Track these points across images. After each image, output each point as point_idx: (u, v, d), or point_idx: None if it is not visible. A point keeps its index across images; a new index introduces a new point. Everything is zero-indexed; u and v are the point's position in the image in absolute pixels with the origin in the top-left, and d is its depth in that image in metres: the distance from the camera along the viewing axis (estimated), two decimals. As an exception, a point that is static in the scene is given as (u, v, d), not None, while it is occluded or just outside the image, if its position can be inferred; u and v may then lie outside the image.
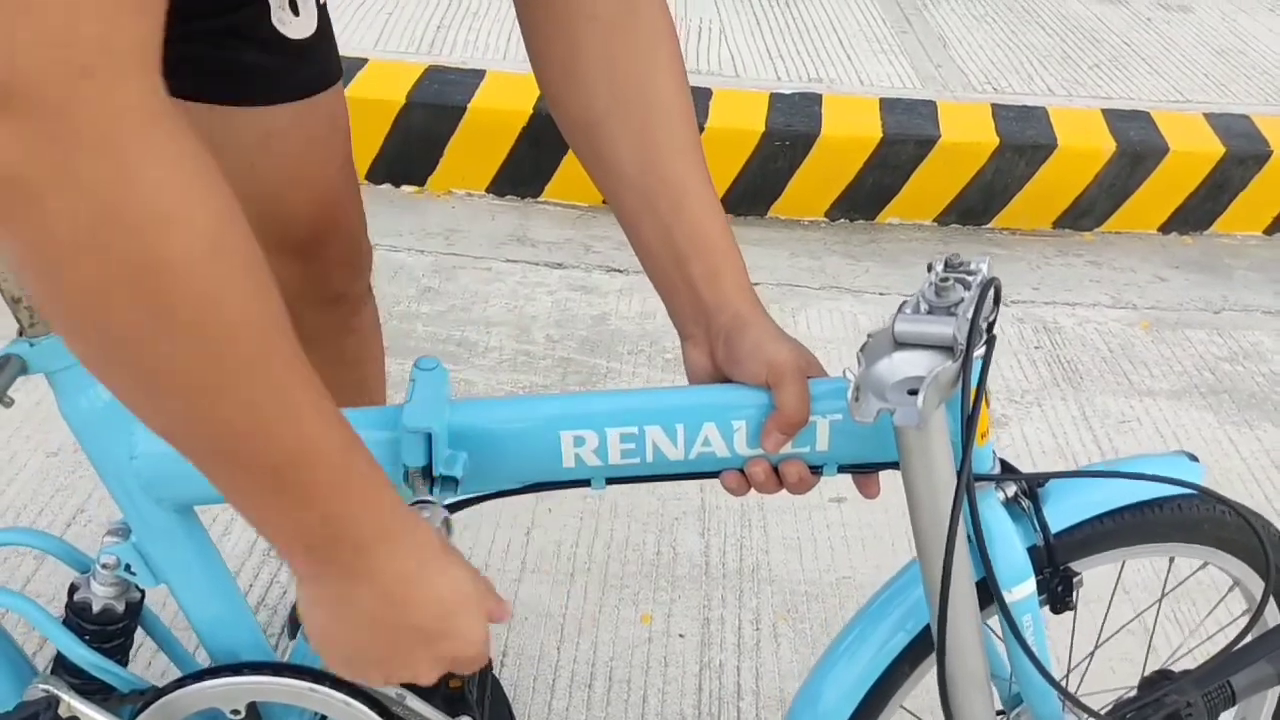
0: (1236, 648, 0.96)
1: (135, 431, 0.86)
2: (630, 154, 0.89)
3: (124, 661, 0.97)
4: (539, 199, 2.77)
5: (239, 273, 0.59)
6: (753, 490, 0.87)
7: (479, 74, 2.79)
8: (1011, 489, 0.92)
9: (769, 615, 1.70)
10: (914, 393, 0.73)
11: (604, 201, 0.94)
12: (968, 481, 0.80)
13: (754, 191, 2.75)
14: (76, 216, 0.52)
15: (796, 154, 2.71)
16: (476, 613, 0.72)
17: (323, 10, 1.15)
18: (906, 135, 2.72)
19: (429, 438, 0.82)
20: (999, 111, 2.85)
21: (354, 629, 0.71)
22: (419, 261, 2.49)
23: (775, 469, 0.86)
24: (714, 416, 0.86)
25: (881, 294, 2.50)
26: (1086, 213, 2.81)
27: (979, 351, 0.77)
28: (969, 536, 0.88)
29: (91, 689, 0.94)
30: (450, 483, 0.83)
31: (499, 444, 0.86)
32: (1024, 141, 2.73)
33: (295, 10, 1.10)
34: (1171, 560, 1.04)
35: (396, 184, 2.73)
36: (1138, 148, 2.74)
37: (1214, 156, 2.75)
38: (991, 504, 0.90)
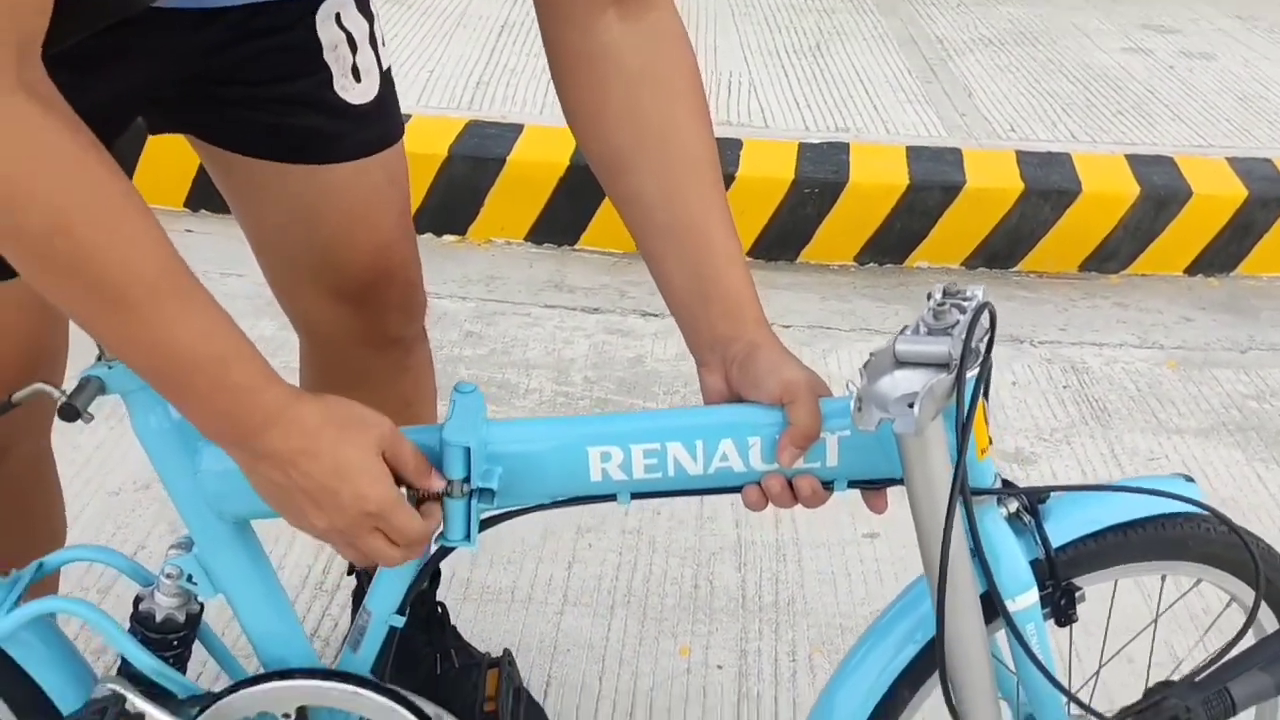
0: (1228, 656, 1.00)
1: (201, 449, 0.94)
2: (655, 196, 0.97)
3: (183, 671, 1.03)
4: (575, 247, 2.85)
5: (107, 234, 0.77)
6: (771, 506, 0.94)
7: (517, 128, 2.89)
8: (1014, 505, 0.98)
9: (805, 647, 1.74)
10: (912, 405, 0.80)
11: (639, 248, 1.02)
12: (963, 488, 0.86)
13: (784, 237, 2.82)
14: None
15: (825, 201, 2.79)
16: (372, 476, 0.86)
17: (386, 75, 1.23)
18: (933, 182, 2.79)
19: (468, 452, 0.90)
20: (1024, 158, 2.91)
21: (274, 491, 0.88)
22: (461, 308, 2.57)
23: (790, 483, 0.92)
24: (731, 433, 0.93)
25: (911, 336, 2.56)
26: (1112, 256, 2.86)
27: (974, 370, 0.84)
28: (971, 550, 0.93)
29: (152, 696, 1.00)
30: (487, 494, 0.92)
31: (531, 460, 0.94)
32: (1049, 187, 2.79)
33: (358, 77, 1.17)
34: (1164, 579, 1.08)
35: (439, 233, 2.82)
36: (1161, 192, 2.80)
37: (1237, 199, 2.80)
38: (994, 518, 0.96)
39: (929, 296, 0.86)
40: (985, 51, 3.76)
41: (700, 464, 0.93)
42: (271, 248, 1.26)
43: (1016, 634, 0.94)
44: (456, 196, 2.80)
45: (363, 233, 1.24)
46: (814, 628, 1.77)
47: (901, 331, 0.85)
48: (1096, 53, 3.79)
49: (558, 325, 2.54)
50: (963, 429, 0.84)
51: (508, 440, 0.93)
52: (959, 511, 0.88)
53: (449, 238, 2.84)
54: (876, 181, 2.79)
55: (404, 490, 0.90)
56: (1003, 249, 2.85)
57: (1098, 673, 1.19)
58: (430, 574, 1.05)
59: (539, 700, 1.60)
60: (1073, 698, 0.96)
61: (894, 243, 2.84)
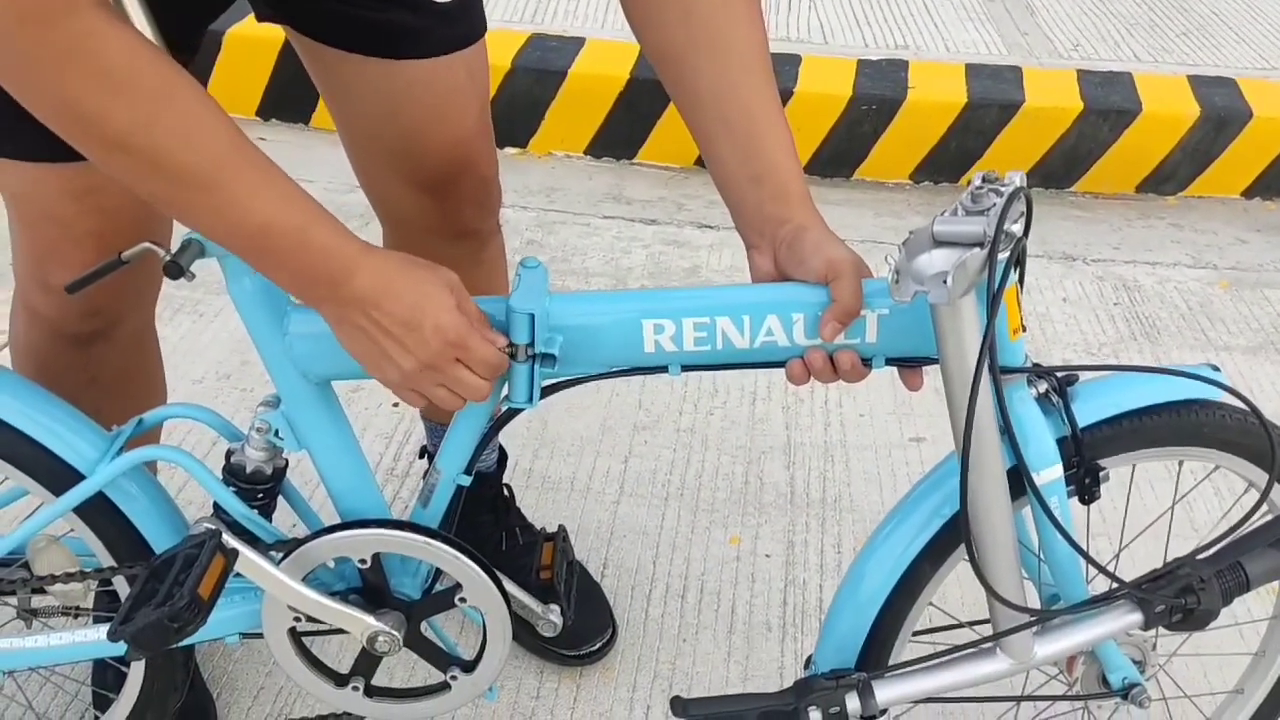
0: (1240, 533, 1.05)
1: (290, 312, 1.03)
2: (708, 91, 1.03)
3: (269, 520, 1.13)
4: (634, 160, 2.90)
5: (195, 110, 0.86)
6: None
7: (579, 41, 2.93)
8: (1043, 385, 1.04)
9: (850, 541, 1.82)
10: (946, 279, 0.87)
11: (696, 162, 1.08)
12: (991, 361, 0.92)
13: (840, 155, 2.85)
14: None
15: (882, 118, 2.81)
16: (444, 307, 0.94)
17: None
18: (991, 100, 2.79)
19: (532, 318, 0.98)
20: (1084, 77, 2.91)
21: (361, 338, 0.95)
22: (522, 217, 2.64)
23: (831, 359, 0.99)
24: (776, 309, 1.00)
25: (963, 252, 2.59)
26: (1169, 177, 2.87)
27: (1006, 250, 0.90)
28: (1000, 426, 1.00)
29: (242, 538, 1.10)
30: (549, 359, 1.00)
31: (590, 331, 1.02)
32: (1108, 107, 2.79)
33: None
34: (1180, 464, 1.13)
35: (500, 145, 2.86)
36: (1222, 113, 2.79)
37: (1299, 122, 2.79)
38: (1023, 397, 1.02)
39: (969, 182, 0.92)
40: (1050, -29, 3.72)
41: (747, 338, 1.00)
42: (357, 136, 1.33)
43: (1040, 501, 1.01)
44: (518, 109, 2.86)
45: (442, 126, 1.29)
46: (859, 524, 1.85)
47: (940, 213, 0.91)
48: (1164, -27, 3.74)
49: (616, 235, 2.61)
50: (993, 300, 0.90)
51: (569, 311, 1.01)
52: (987, 386, 0.95)
53: (510, 150, 2.90)
54: (934, 99, 2.81)
55: None
56: (1059, 169, 2.86)
57: (1121, 550, 1.25)
58: (496, 435, 1.13)
59: (596, 579, 1.70)
60: (1090, 560, 1.02)
61: (950, 161, 2.86)
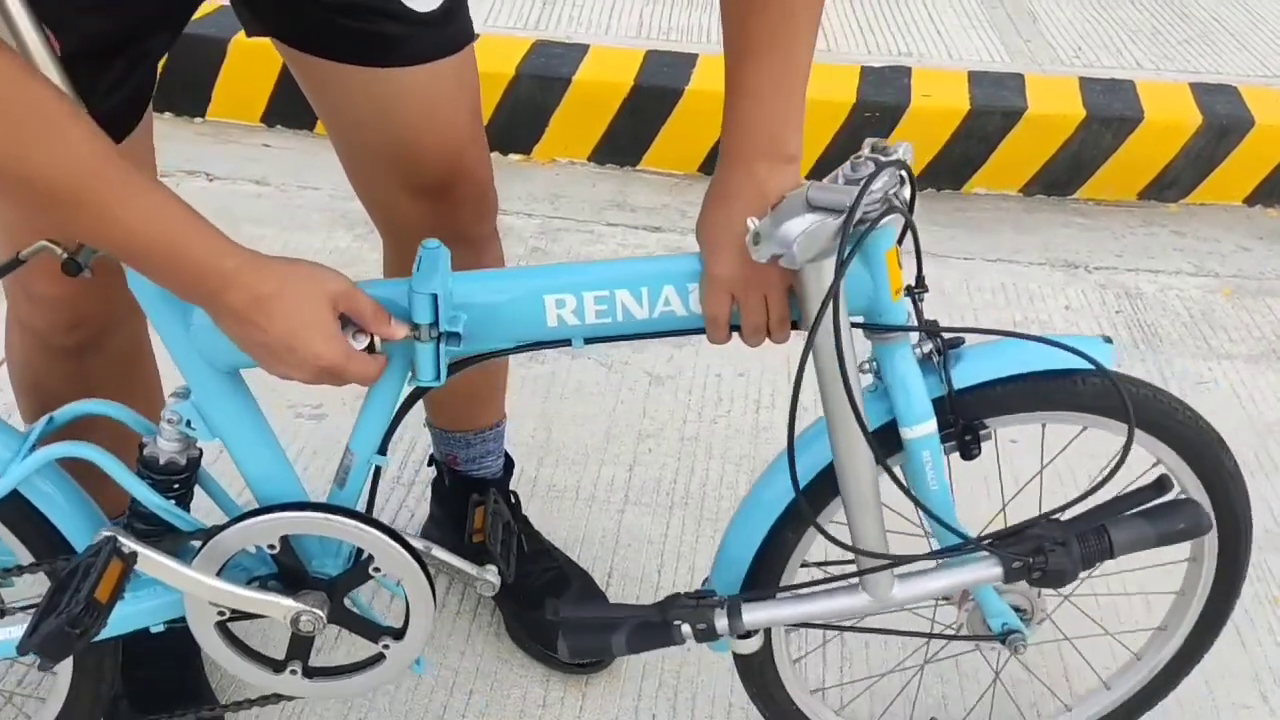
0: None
1: (192, 306, 1.04)
2: (727, 23, 1.03)
3: (186, 510, 1.14)
4: (637, 167, 2.91)
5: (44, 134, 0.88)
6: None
7: (583, 48, 2.94)
8: (928, 345, 1.09)
9: (854, 549, 1.82)
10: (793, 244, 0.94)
11: (699, 169, 1.10)
12: (837, 319, 0.98)
13: (844, 160, 2.85)
14: None
15: (885, 125, 2.82)
16: (324, 334, 0.98)
17: None
18: (994, 107, 2.80)
19: (434, 299, 1.00)
20: (1087, 84, 2.92)
21: (242, 342, 0.99)
22: (526, 224, 2.65)
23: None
24: (672, 280, 1.04)
25: (966, 259, 2.60)
26: (1172, 184, 2.87)
27: (889, 220, 0.96)
28: (876, 386, 1.09)
29: (160, 533, 1.12)
30: (454, 338, 1.03)
31: (493, 308, 1.05)
32: (1111, 114, 2.80)
33: None
34: (1044, 427, 1.19)
35: (504, 152, 2.90)
36: (1224, 121, 2.80)
37: (1301, 129, 2.79)
38: (905, 355, 1.07)
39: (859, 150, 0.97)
40: (1052, -23, 3.73)
41: (646, 309, 1.05)
42: (349, 145, 1.34)
43: (880, 459, 1.06)
44: (522, 116, 2.86)
45: (433, 133, 1.30)
46: (863, 532, 1.85)
47: (820, 180, 0.96)
48: (1166, -20, 3.75)
49: (620, 243, 2.62)
50: (839, 266, 0.95)
51: (471, 290, 1.04)
52: (849, 343, 1.01)
53: (514, 156, 2.91)
54: (937, 106, 2.82)
55: (360, 336, 1.01)
56: (1062, 176, 2.87)
57: (1004, 508, 1.30)
58: (406, 413, 1.14)
59: (601, 587, 1.70)
60: (934, 517, 1.08)
61: (952, 167, 2.87)
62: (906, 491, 1.06)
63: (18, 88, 0.87)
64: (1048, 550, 1.08)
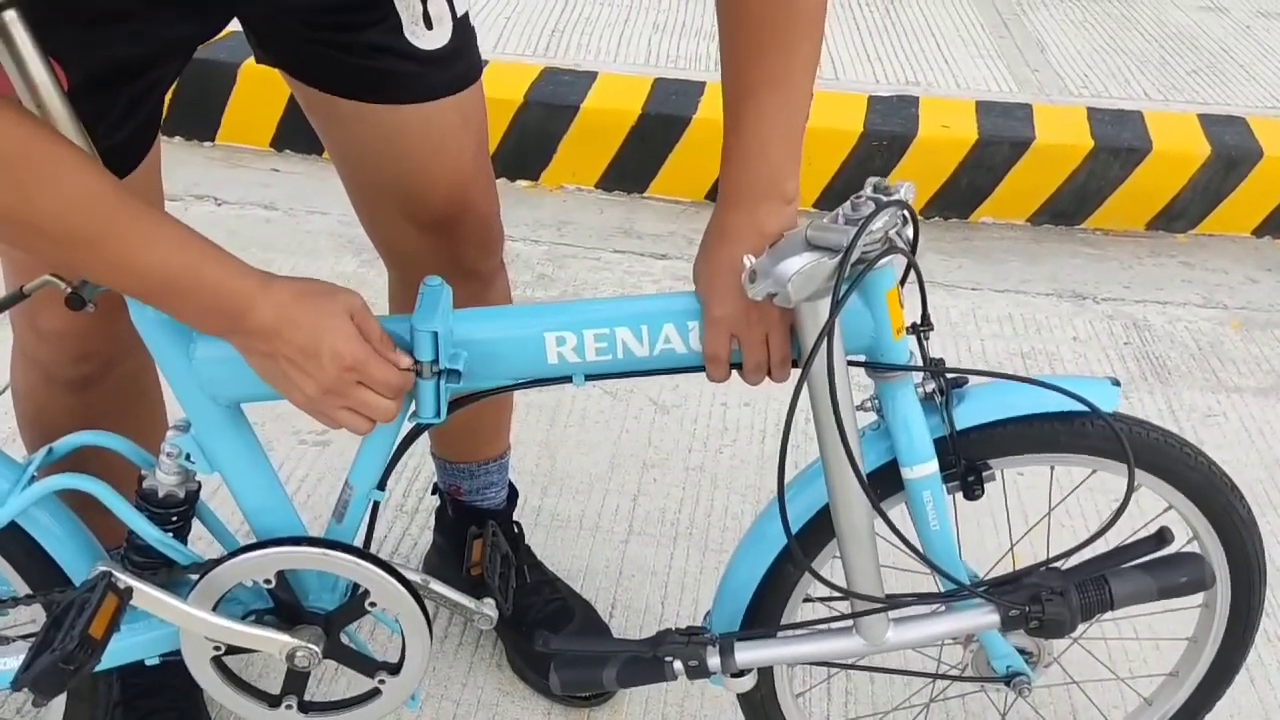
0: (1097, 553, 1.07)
1: (195, 339, 1.04)
2: (726, 66, 1.02)
3: (183, 543, 1.14)
4: (645, 194, 2.91)
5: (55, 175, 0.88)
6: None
7: (591, 75, 2.95)
8: (930, 385, 1.08)
9: (859, 582, 1.81)
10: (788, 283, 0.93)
11: (706, 196, 1.10)
12: (830, 358, 0.97)
13: (850, 190, 2.83)
14: None
15: (893, 154, 2.82)
16: (342, 334, 0.98)
17: (461, 21, 1.26)
18: (1001, 137, 2.80)
19: (435, 336, 1.00)
20: (1095, 115, 2.92)
21: (266, 364, 0.99)
22: (533, 250, 2.65)
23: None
24: (672, 318, 1.04)
25: (974, 289, 2.60)
26: (1180, 215, 2.87)
27: (889, 260, 0.96)
28: (879, 424, 1.08)
29: (157, 566, 1.12)
30: (454, 375, 1.03)
31: (493, 345, 1.05)
32: (1119, 144, 2.80)
33: (429, 24, 1.22)
34: (1052, 469, 1.18)
35: (512, 178, 2.90)
36: (1232, 152, 2.79)
37: (1310, 161, 2.79)
38: (907, 395, 1.06)
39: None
40: (1060, 7, 3.74)
41: (646, 347, 1.05)
42: (355, 178, 1.34)
43: (874, 503, 1.04)
44: (530, 142, 2.87)
45: (438, 169, 1.30)
46: (868, 564, 1.84)
47: (820, 218, 0.95)
48: (1173, 10, 3.75)
49: (626, 270, 2.61)
50: (834, 305, 0.95)
51: (472, 328, 1.05)
52: (846, 387, 1.00)
53: (522, 183, 2.92)
54: (945, 135, 2.82)
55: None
56: (1070, 206, 2.86)
57: (1010, 551, 1.30)
58: (406, 450, 1.14)
59: (605, 619, 1.69)
60: (932, 565, 1.08)
61: (960, 197, 2.87)
62: (902, 539, 1.05)
63: (23, 140, 0.87)
64: (1045, 600, 1.07)
